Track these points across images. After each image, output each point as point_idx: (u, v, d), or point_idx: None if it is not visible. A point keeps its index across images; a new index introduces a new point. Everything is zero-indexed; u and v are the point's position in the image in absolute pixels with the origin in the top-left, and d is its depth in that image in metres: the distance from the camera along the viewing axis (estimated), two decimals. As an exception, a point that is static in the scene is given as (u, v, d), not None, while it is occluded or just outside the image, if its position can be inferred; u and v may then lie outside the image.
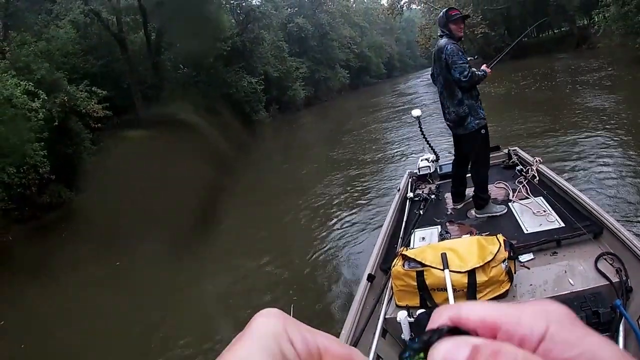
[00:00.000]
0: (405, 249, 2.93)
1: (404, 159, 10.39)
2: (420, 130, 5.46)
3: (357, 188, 8.93)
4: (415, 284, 2.62)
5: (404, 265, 2.69)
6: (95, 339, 5.24)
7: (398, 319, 2.38)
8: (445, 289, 2.45)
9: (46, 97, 11.48)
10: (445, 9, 3.79)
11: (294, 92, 33.37)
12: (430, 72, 4.04)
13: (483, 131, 3.73)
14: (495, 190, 4.31)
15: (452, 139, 4.23)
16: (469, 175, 4.11)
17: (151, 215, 7.40)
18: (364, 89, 46.25)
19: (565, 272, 2.66)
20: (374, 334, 2.49)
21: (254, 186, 11.42)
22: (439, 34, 3.76)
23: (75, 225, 10.79)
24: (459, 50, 3.58)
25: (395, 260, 2.82)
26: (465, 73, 3.50)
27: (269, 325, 0.27)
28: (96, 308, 6.12)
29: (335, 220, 7.39)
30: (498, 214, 3.79)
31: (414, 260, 2.66)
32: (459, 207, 4.17)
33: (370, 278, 3.04)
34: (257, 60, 27.99)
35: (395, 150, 11.67)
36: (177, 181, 8.13)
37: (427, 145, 5.65)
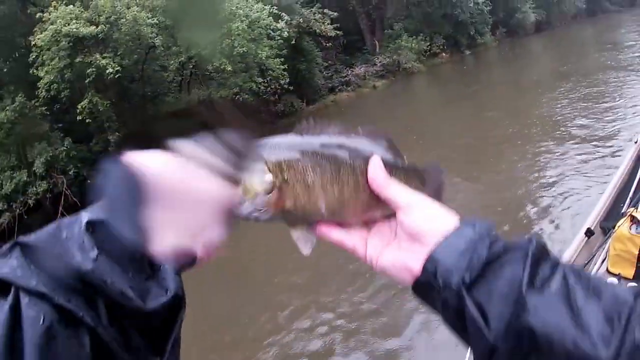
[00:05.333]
0: (635, 209, 2.59)
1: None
2: None
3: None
4: (637, 252, 2.33)
5: (630, 228, 2.41)
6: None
7: None
8: None
9: (289, 19, 13.20)
10: None
11: (523, 14, 29.56)
12: None
13: None
14: None
15: None
16: None
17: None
18: (602, 17, 37.84)
19: None
20: None
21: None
22: None
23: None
24: None
25: (622, 220, 2.53)
26: None
27: None
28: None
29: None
30: None
31: None
32: None
33: (589, 233, 2.79)
34: (484, -24, 25.49)
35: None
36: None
37: None
